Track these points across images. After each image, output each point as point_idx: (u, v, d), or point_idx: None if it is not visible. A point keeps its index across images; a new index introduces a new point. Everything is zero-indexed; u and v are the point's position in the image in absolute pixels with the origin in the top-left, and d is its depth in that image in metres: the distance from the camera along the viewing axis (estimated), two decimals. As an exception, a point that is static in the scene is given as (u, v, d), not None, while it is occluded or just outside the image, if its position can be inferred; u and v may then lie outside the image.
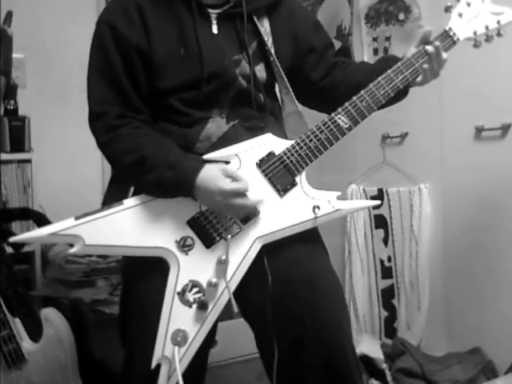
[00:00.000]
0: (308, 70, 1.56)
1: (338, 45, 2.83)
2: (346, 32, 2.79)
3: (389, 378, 2.27)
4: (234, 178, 1.34)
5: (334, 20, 2.84)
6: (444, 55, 1.46)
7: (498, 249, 2.20)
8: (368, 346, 2.41)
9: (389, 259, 2.61)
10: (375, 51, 2.64)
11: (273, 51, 1.49)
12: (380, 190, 2.61)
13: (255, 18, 1.50)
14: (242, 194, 1.33)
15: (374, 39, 2.64)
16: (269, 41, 1.50)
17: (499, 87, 2.15)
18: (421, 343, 2.43)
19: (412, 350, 2.33)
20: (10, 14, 2.59)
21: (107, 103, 1.41)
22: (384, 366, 2.30)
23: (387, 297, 2.62)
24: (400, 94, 1.51)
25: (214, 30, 1.46)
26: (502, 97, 2.15)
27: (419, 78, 1.48)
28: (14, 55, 2.68)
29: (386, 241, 2.62)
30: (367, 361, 2.32)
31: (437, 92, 2.32)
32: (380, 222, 2.63)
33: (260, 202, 1.36)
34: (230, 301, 1.34)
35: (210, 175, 1.33)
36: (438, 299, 2.42)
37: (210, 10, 1.46)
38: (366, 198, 2.66)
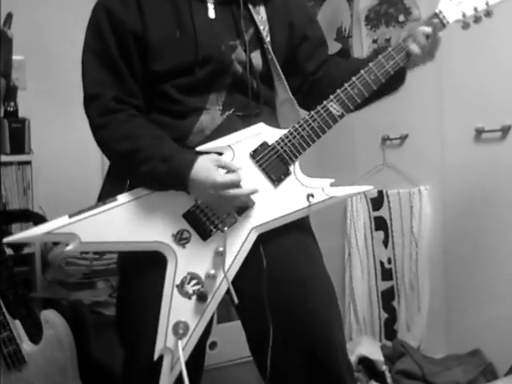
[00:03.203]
0: (303, 59, 1.56)
1: (337, 47, 2.84)
2: (345, 34, 2.79)
3: (389, 379, 2.27)
4: (228, 168, 1.34)
5: (334, 22, 2.84)
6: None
7: (498, 250, 2.20)
8: (368, 347, 2.41)
9: (389, 261, 2.61)
10: (375, 53, 2.64)
11: (268, 39, 1.49)
12: (380, 192, 2.61)
13: (251, 6, 1.49)
14: (234, 184, 1.33)
15: (374, 41, 2.64)
16: (265, 29, 1.49)
17: (499, 89, 2.15)
18: (421, 345, 2.43)
19: (412, 352, 2.33)
20: (9, 16, 2.60)
21: (103, 85, 1.40)
22: (384, 367, 2.30)
23: (387, 299, 2.62)
24: (396, 81, 1.49)
25: (211, 14, 1.45)
26: (501, 98, 2.15)
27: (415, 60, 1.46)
28: (14, 57, 2.68)
29: (386, 243, 2.62)
30: (367, 362, 2.32)
31: (437, 94, 2.33)
32: (380, 223, 2.63)
33: (254, 192, 1.36)
34: (229, 291, 1.35)
35: (204, 168, 1.32)
36: (437, 301, 2.42)
37: None
38: (366, 200, 2.66)
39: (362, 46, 2.70)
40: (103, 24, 1.41)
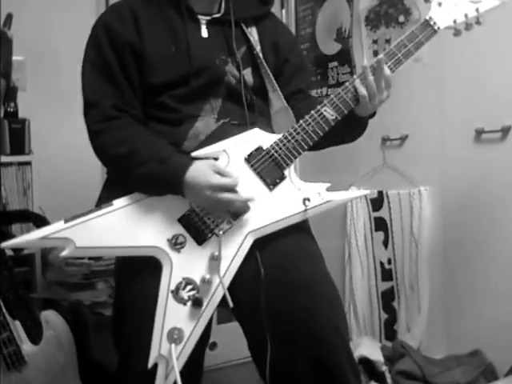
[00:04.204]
0: (283, 83, 1.57)
1: (338, 47, 2.84)
2: (346, 34, 2.79)
3: (389, 380, 2.27)
4: (223, 174, 1.34)
5: (334, 22, 2.85)
6: (387, 72, 1.41)
7: (498, 251, 2.19)
8: (368, 348, 2.41)
9: (389, 261, 2.61)
10: (375, 53, 2.64)
11: (261, 56, 1.53)
12: (380, 193, 2.61)
13: (244, 27, 1.54)
14: (230, 189, 1.33)
15: (374, 41, 2.64)
16: (257, 48, 1.53)
17: (499, 89, 2.15)
18: (421, 345, 2.43)
19: (412, 353, 2.32)
20: (10, 17, 2.60)
21: (102, 94, 1.43)
22: (384, 368, 2.30)
23: (387, 299, 2.62)
24: (359, 125, 1.51)
25: (204, 33, 1.50)
26: (502, 99, 2.15)
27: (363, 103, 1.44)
28: (14, 57, 2.68)
29: (386, 243, 2.62)
30: (367, 363, 2.32)
31: (437, 94, 2.33)
32: (380, 224, 2.63)
33: (250, 199, 1.36)
34: (224, 297, 1.34)
35: (200, 171, 1.33)
36: (437, 301, 2.42)
37: (200, 16, 1.50)
38: (366, 201, 2.66)
39: (361, 47, 2.70)
40: (102, 39, 1.45)
